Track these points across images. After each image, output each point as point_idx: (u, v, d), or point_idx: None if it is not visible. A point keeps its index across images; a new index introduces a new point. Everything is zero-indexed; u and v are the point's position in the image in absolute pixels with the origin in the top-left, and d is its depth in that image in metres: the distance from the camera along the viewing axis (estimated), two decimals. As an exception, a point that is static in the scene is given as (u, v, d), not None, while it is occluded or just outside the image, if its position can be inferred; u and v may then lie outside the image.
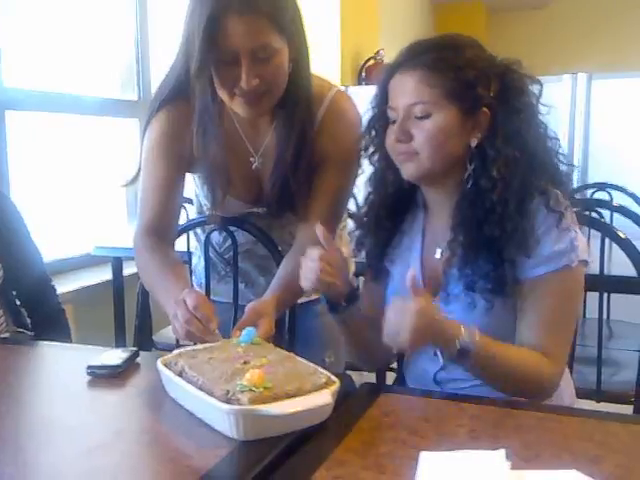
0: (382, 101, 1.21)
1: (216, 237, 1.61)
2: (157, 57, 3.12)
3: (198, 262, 1.71)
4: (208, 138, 1.37)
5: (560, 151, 1.21)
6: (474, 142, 1.15)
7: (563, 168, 1.20)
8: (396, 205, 1.29)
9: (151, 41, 3.14)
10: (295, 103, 1.33)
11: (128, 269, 2.75)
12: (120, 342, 2.67)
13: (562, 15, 6.45)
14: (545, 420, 0.95)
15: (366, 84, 3.97)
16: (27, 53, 2.57)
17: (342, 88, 1.52)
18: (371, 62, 4.03)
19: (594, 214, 2.24)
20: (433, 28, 6.46)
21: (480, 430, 0.91)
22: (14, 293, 1.69)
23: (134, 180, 1.49)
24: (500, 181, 1.12)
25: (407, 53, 1.19)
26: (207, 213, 1.59)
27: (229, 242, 1.57)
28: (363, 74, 4.02)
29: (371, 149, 1.27)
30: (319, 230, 1.17)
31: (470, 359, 1.04)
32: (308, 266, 1.15)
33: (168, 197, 1.42)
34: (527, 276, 1.13)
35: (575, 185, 3.29)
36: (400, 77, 1.17)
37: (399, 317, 1.01)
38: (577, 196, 3.10)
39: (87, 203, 2.90)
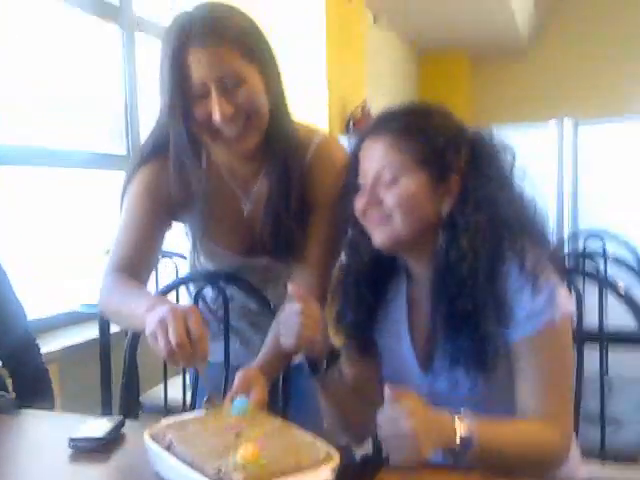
0: (353, 170, 1.20)
1: (209, 293, 1.56)
2: (146, 110, 3.12)
3: None
4: (185, 176, 1.33)
5: (537, 213, 1.18)
6: (445, 210, 1.13)
7: (540, 228, 1.18)
8: (376, 274, 1.25)
9: (140, 94, 3.14)
10: (279, 144, 1.31)
11: (115, 327, 2.69)
12: (106, 402, 2.58)
13: (544, 62, 6.58)
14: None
15: (354, 132, 3.99)
16: (14, 108, 2.55)
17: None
18: (358, 112, 4.06)
19: (588, 263, 2.21)
20: (418, 77, 6.56)
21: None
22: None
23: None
24: (470, 252, 1.10)
25: (377, 120, 1.19)
26: (199, 268, 1.55)
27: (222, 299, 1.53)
28: (351, 124, 4.05)
29: (343, 217, 1.24)
30: (294, 288, 1.12)
31: (473, 450, 0.97)
32: (288, 323, 1.10)
33: (143, 238, 1.35)
34: (512, 340, 1.10)
35: (566, 233, 3.29)
36: (369, 143, 1.17)
37: (394, 428, 0.94)
38: (569, 243, 3.10)
39: (73, 259, 2.85)
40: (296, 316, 1.08)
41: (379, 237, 1.15)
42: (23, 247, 2.59)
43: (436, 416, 0.98)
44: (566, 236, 3.26)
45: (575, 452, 1.22)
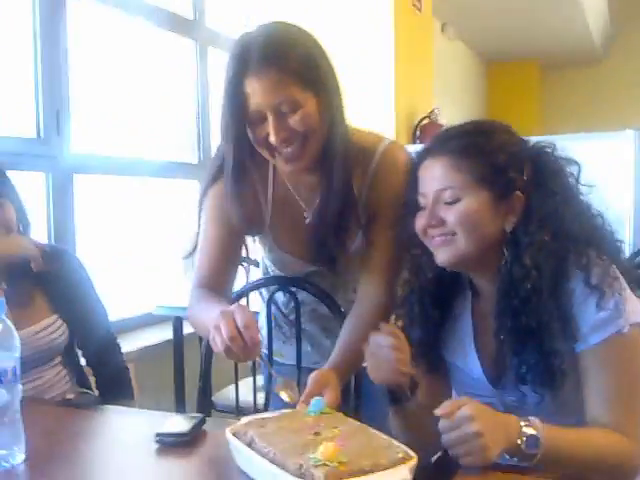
0: (413, 189, 1.20)
1: (281, 298, 1.60)
2: (217, 121, 3.21)
3: (263, 323, 1.70)
4: (241, 195, 1.38)
5: (605, 224, 1.17)
6: (509, 227, 1.12)
7: (609, 239, 1.16)
8: (440, 290, 1.24)
9: (212, 104, 3.23)
10: (333, 158, 1.32)
11: (188, 328, 2.77)
12: (180, 401, 2.67)
13: (617, 70, 6.40)
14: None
15: (421, 143, 3.98)
16: (94, 119, 2.68)
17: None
18: (426, 121, 4.05)
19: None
20: (487, 86, 6.49)
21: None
22: (78, 352, 1.71)
23: (191, 253, 1.51)
24: (533, 269, 1.08)
25: (436, 140, 1.19)
26: (272, 274, 1.59)
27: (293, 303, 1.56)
28: (418, 133, 4.04)
29: (405, 236, 1.23)
30: (385, 327, 1.12)
31: (541, 453, 0.97)
32: (381, 356, 1.09)
33: (220, 257, 1.43)
34: (578, 352, 1.09)
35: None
36: (429, 163, 1.16)
37: (459, 433, 0.94)
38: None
39: (148, 262, 2.96)
40: (389, 350, 1.08)
41: (443, 257, 1.15)
42: (103, 252, 2.71)
43: (501, 417, 0.99)
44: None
45: None
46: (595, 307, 1.06)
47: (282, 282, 1.56)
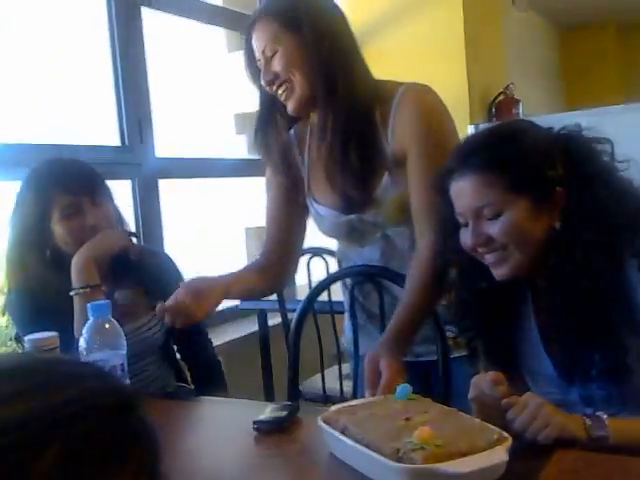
0: (447, 205, 1.16)
1: (362, 287, 1.61)
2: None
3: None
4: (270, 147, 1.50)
5: None
6: (558, 224, 1.08)
7: None
8: (499, 298, 1.19)
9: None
10: (342, 100, 1.36)
11: (272, 320, 2.84)
12: (269, 391, 2.74)
13: None
14: None
15: (497, 120, 3.89)
16: (172, 124, 2.77)
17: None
18: (501, 97, 3.96)
19: None
20: (562, 56, 6.26)
21: (674, 490, 0.83)
22: (175, 348, 1.79)
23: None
24: (585, 267, 1.04)
25: (458, 156, 1.15)
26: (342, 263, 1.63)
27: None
28: (493, 110, 3.95)
29: (449, 252, 1.20)
30: (488, 375, 1.06)
31: (609, 434, 0.96)
32: (486, 402, 1.03)
33: (278, 220, 1.56)
34: None
35: None
36: (457, 182, 1.12)
37: (531, 412, 0.95)
38: None
39: (231, 260, 3.04)
40: (495, 400, 1.02)
41: (501, 273, 1.12)
42: (189, 252, 2.80)
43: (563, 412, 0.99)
44: None
45: None
46: None
47: (362, 272, 1.56)
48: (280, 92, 1.39)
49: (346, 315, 1.70)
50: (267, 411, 1.16)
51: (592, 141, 1.13)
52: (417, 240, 1.38)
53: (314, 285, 1.74)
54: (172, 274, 1.71)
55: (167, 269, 1.70)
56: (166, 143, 2.68)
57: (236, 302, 2.85)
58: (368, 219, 1.45)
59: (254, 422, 1.12)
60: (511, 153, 1.10)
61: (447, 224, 1.18)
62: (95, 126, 2.47)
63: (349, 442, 0.93)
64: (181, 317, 1.28)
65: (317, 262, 2.63)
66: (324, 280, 1.73)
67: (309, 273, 2.99)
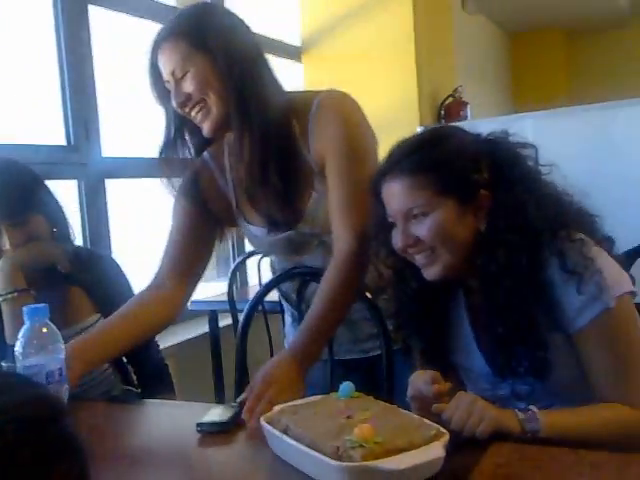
0: (379, 207, 1.20)
1: (290, 289, 1.62)
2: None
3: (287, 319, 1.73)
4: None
5: (573, 201, 1.16)
6: (483, 226, 1.13)
7: (581, 214, 1.16)
8: (431, 297, 1.23)
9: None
10: (245, 117, 1.34)
11: (223, 321, 2.83)
12: (219, 392, 2.73)
13: (646, 33, 6.24)
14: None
15: (446, 122, 3.96)
16: (119, 123, 2.73)
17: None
18: (450, 100, 4.03)
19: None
20: (511, 59, 6.39)
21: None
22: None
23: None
24: (508, 266, 1.09)
25: (390, 158, 1.18)
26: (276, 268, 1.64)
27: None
28: (442, 112, 4.02)
29: (383, 253, 1.23)
30: (425, 374, 1.11)
31: (540, 427, 1.00)
32: (425, 401, 1.07)
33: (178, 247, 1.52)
34: (570, 333, 1.10)
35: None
36: (388, 184, 1.16)
37: (466, 409, 0.99)
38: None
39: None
40: (433, 398, 1.06)
41: (430, 274, 1.16)
42: (137, 253, 2.77)
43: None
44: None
45: None
46: (576, 291, 1.07)
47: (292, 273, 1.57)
48: (194, 114, 1.35)
49: (287, 318, 1.71)
50: (211, 413, 1.16)
51: (517, 146, 1.17)
52: (334, 244, 1.37)
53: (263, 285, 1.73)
54: (114, 277, 1.69)
55: (109, 272, 1.69)
56: (114, 143, 2.64)
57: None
58: (305, 231, 1.45)
59: (197, 424, 1.12)
60: (438, 157, 1.13)
61: (381, 226, 1.21)
62: (40, 125, 2.42)
63: (290, 442, 0.93)
64: None
65: (267, 262, 2.63)
66: (273, 280, 1.73)
67: (259, 273, 3.00)
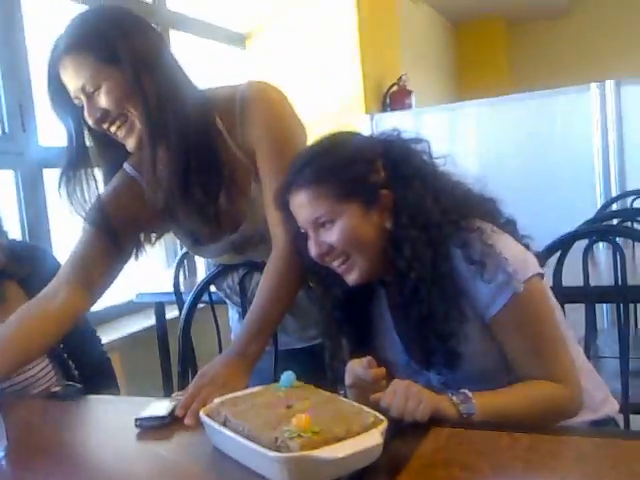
0: (291, 219, 1.21)
1: (231, 284, 1.61)
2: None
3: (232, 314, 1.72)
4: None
5: (471, 191, 1.20)
6: (389, 224, 1.15)
7: (479, 201, 1.20)
8: (354, 298, 1.25)
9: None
10: (164, 127, 1.27)
11: (170, 313, 2.79)
12: (167, 385, 2.70)
13: (584, 23, 6.40)
14: (604, 446, 0.92)
15: (391, 110, 3.98)
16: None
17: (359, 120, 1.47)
18: (395, 88, 4.05)
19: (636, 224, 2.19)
20: (456, 48, 6.47)
21: (536, 461, 0.88)
22: (61, 346, 1.72)
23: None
24: (414, 261, 1.12)
25: (291, 170, 1.19)
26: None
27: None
28: (388, 100, 4.04)
29: (305, 262, 1.24)
30: (361, 361, 1.11)
31: (474, 409, 1.03)
32: (362, 386, 1.09)
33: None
34: (484, 322, 1.13)
35: (614, 194, 3.23)
36: (293, 197, 1.18)
37: (404, 394, 1.01)
38: (616, 205, 3.04)
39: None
40: (370, 384, 1.08)
41: (350, 280, 1.18)
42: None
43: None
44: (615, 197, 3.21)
45: (601, 392, 1.25)
46: (484, 281, 1.10)
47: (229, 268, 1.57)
48: (114, 129, 1.28)
49: (232, 314, 1.70)
50: (151, 407, 1.14)
51: (409, 142, 1.20)
52: (272, 239, 1.35)
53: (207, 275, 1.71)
54: (50, 271, 1.65)
55: (44, 266, 1.64)
56: (52, 131, 2.56)
57: (131, 295, 2.78)
58: (247, 232, 1.44)
59: (136, 419, 1.10)
60: (334, 164, 1.15)
61: (297, 236, 1.22)
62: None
63: (228, 433, 0.92)
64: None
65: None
66: (216, 270, 1.71)
67: (208, 262, 2.96)
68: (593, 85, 3.32)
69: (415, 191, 1.14)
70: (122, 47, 1.24)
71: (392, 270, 1.17)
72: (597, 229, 1.89)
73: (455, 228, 1.13)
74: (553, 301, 1.21)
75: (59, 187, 1.35)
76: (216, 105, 1.35)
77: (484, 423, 1.01)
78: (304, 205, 1.16)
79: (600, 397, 1.23)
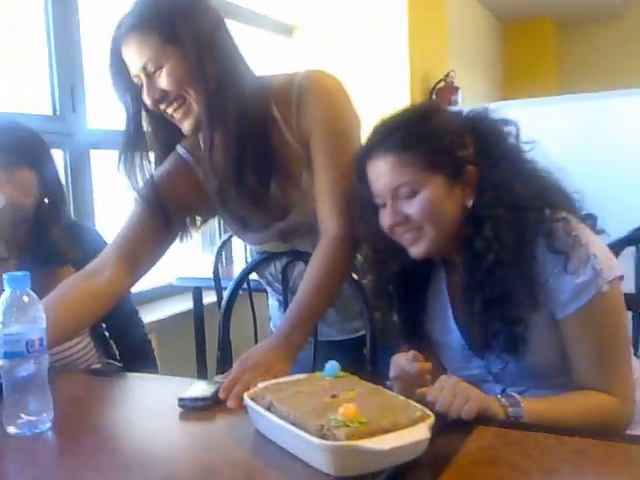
0: (365, 186, 1.18)
1: (273, 272, 1.61)
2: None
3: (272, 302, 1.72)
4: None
5: (555, 181, 1.16)
6: (470, 202, 1.13)
7: (562, 195, 1.16)
8: (413, 275, 1.23)
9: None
10: (222, 112, 1.27)
11: (207, 298, 2.81)
12: (202, 369, 2.72)
13: (637, 26, 6.24)
14: (657, 455, 0.90)
15: (437, 106, 3.94)
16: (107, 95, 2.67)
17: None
18: (441, 84, 4.00)
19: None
20: (502, 46, 6.37)
21: (586, 466, 0.86)
22: (103, 325, 1.75)
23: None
24: (494, 241, 1.09)
25: (375, 136, 1.17)
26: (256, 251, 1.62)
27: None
28: (434, 96, 4.00)
29: (368, 234, 1.23)
30: (408, 354, 1.11)
31: (521, 412, 1.02)
32: (407, 380, 1.10)
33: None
34: (559, 317, 1.10)
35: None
36: (374, 163, 1.15)
37: (450, 390, 1.00)
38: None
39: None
40: (416, 377, 1.08)
41: (416, 252, 1.15)
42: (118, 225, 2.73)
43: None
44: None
45: None
46: (570, 277, 1.07)
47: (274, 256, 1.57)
48: (171, 111, 1.28)
49: (272, 302, 1.70)
50: (193, 388, 1.14)
51: (499, 122, 1.17)
52: (320, 227, 1.34)
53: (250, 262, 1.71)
54: (97, 249, 1.66)
55: (92, 245, 1.66)
56: (100, 114, 2.60)
57: (171, 279, 2.81)
58: (295, 220, 1.43)
59: (179, 399, 1.10)
60: (425, 133, 1.12)
61: (364, 207, 1.20)
62: (26, 94, 2.37)
63: (274, 419, 0.92)
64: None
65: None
66: (259, 258, 1.71)
67: (246, 250, 2.97)
68: (646, 88, 3.24)
69: (502, 172, 1.11)
70: (185, 28, 1.24)
71: (461, 249, 1.15)
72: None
73: (540, 215, 1.10)
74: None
75: (117, 165, 1.37)
76: (272, 93, 1.35)
77: (531, 425, 1.00)
78: (387, 172, 1.12)
79: None
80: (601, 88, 3.39)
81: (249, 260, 2.23)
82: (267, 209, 1.39)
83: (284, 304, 1.57)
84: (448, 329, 1.23)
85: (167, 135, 1.40)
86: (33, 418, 1.02)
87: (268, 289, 1.69)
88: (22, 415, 1.01)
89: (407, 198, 1.12)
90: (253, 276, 1.70)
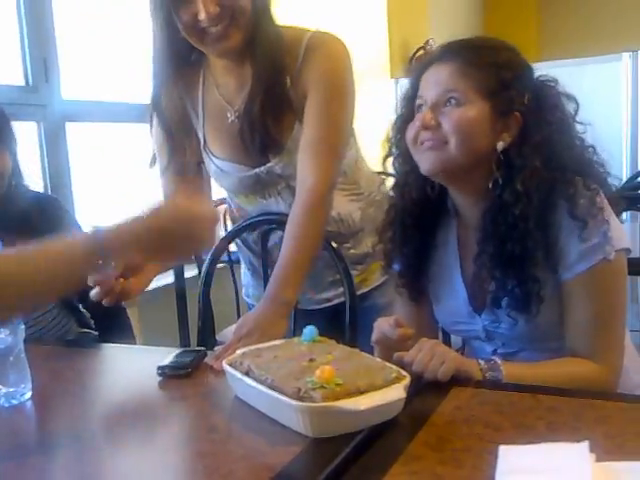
0: (411, 98, 1.18)
1: (252, 238, 1.61)
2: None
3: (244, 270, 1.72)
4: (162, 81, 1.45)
5: (595, 158, 1.17)
6: (501, 145, 1.11)
7: (599, 171, 1.16)
8: (423, 213, 1.23)
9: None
10: (262, 46, 1.35)
11: (189, 272, 2.80)
12: (184, 342, 2.72)
13: (617, -9, 6.22)
14: (628, 410, 0.91)
15: (416, 75, 3.91)
16: (81, 65, 2.63)
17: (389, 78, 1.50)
18: (421, 52, 3.97)
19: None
20: (483, 13, 6.33)
21: (559, 422, 0.87)
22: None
23: (153, 162, 1.57)
24: (523, 195, 1.08)
25: (444, 49, 1.17)
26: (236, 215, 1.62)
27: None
28: (413, 64, 3.97)
29: (395, 152, 1.23)
30: (389, 319, 1.11)
31: (501, 375, 1.03)
32: (388, 344, 1.10)
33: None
34: (563, 280, 1.10)
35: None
36: (435, 68, 1.14)
37: (428, 352, 1.01)
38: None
39: (144, 206, 2.95)
40: (397, 342, 1.08)
41: (429, 161, 1.13)
42: (100, 199, 2.70)
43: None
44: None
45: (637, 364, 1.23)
46: (580, 238, 1.07)
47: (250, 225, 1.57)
48: (215, 30, 1.30)
49: (244, 269, 1.70)
50: (172, 356, 1.15)
51: (562, 96, 1.16)
52: (298, 177, 1.36)
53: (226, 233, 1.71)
54: (63, 219, 1.65)
55: (58, 215, 1.64)
56: (75, 85, 2.55)
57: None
58: (276, 170, 1.44)
59: (158, 367, 1.10)
60: (494, 59, 1.13)
61: (400, 117, 1.20)
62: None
63: (252, 383, 0.93)
64: (113, 295, 1.21)
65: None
66: (236, 228, 1.70)
67: (225, 223, 2.96)
68: (625, 55, 3.24)
69: (549, 133, 1.10)
70: None
71: (475, 196, 1.16)
72: (625, 197, 1.85)
73: (572, 179, 1.10)
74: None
75: (155, 99, 1.46)
76: (284, 42, 1.39)
77: (506, 384, 1.01)
78: (444, 76, 1.12)
79: (637, 380, 1.21)
80: (581, 54, 3.39)
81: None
82: (253, 146, 1.41)
83: (259, 271, 1.57)
84: (453, 282, 1.23)
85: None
86: (12, 389, 1.02)
87: (241, 253, 1.68)
88: (0, 387, 1.01)
89: (448, 109, 1.11)
90: (233, 248, 1.70)
